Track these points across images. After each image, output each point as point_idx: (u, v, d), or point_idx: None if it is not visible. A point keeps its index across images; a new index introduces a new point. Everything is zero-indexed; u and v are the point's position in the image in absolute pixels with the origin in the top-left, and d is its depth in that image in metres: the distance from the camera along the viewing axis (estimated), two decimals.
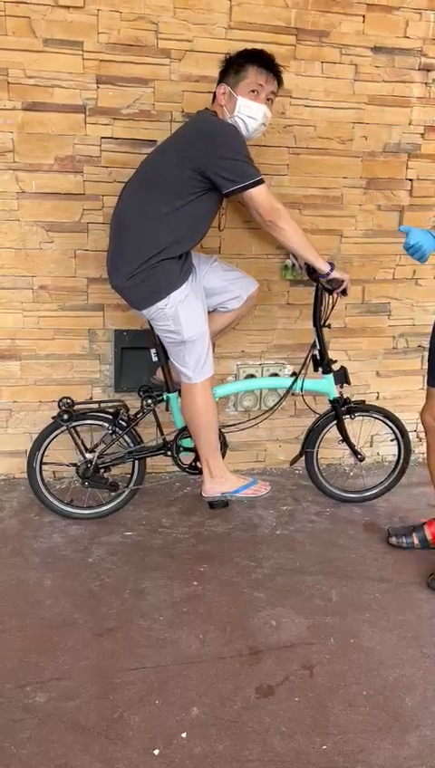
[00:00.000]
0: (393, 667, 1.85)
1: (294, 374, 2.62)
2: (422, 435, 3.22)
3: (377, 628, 2.01)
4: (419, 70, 2.74)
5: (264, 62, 2.21)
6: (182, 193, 2.16)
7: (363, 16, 2.62)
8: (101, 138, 2.51)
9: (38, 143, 2.47)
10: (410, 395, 3.14)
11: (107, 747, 1.56)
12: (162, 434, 2.56)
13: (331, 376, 2.58)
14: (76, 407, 2.45)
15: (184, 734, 1.61)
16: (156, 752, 1.55)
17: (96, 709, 1.67)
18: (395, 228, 2.89)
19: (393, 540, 2.46)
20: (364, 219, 2.85)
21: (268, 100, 2.26)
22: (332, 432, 2.70)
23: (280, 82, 2.27)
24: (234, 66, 2.21)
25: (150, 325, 2.38)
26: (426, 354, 3.07)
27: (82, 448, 2.48)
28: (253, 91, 2.21)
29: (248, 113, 2.22)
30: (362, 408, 2.67)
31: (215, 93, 2.26)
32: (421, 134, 2.81)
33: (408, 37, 2.68)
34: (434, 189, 2.88)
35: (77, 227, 2.57)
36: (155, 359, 2.46)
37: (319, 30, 2.59)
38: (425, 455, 3.21)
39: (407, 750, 1.59)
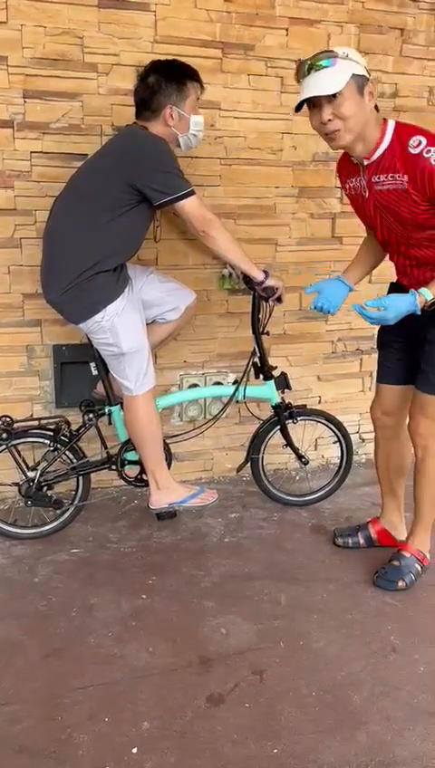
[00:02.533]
0: (341, 665, 1.88)
1: (236, 382, 2.64)
2: (365, 436, 3.29)
3: (325, 629, 2.04)
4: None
5: (197, 76, 2.26)
6: (114, 206, 2.17)
7: (287, 30, 2.70)
8: (31, 152, 2.49)
9: None
10: (351, 397, 3.21)
11: None
12: (106, 448, 2.54)
13: (272, 382, 2.62)
14: (16, 425, 2.40)
15: (135, 750, 1.59)
16: None
17: (44, 731, 1.64)
18: (329, 236, 2.97)
19: (340, 540, 2.50)
20: (298, 227, 2.91)
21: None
22: (276, 437, 2.73)
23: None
24: (174, 86, 2.20)
25: (89, 339, 2.36)
26: (364, 357, 3.16)
27: (24, 467, 2.44)
28: (194, 107, 2.27)
29: (199, 128, 2.30)
30: (303, 412, 2.71)
31: (143, 111, 2.26)
32: None
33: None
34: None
35: (9, 243, 2.54)
36: (95, 372, 2.45)
37: (244, 43, 2.65)
38: (368, 455, 3.30)
39: (356, 747, 1.61)
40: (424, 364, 2.11)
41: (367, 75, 1.86)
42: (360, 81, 1.84)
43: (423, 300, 1.90)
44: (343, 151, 2.08)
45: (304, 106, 1.91)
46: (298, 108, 1.91)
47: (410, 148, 1.85)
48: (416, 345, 2.16)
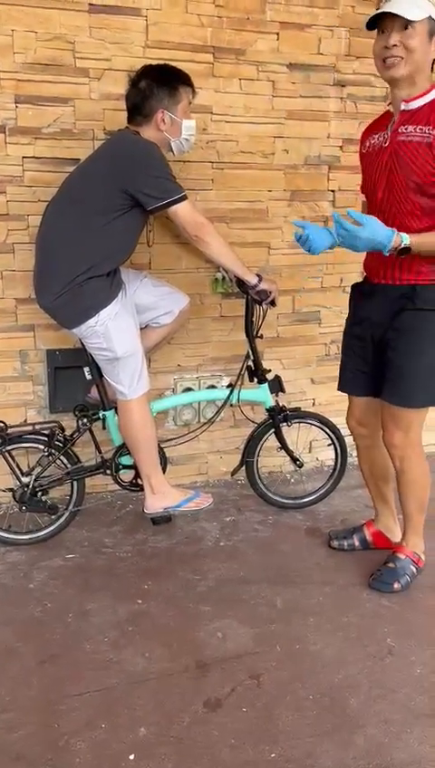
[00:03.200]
0: (338, 668, 1.88)
1: (230, 385, 2.64)
2: None
3: (321, 632, 2.04)
4: (333, 85, 2.83)
5: (189, 80, 2.26)
6: (106, 211, 2.17)
7: (277, 34, 2.70)
8: (23, 157, 2.48)
9: None
10: (345, 400, 3.18)
11: None
12: (100, 452, 2.54)
13: (266, 385, 2.62)
14: (10, 430, 2.39)
15: (132, 756, 1.58)
16: None
17: (41, 739, 1.63)
18: None
19: (335, 543, 2.50)
20: (290, 231, 2.90)
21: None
22: (271, 440, 2.73)
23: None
24: (166, 90, 2.20)
25: (83, 343, 2.36)
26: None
27: (18, 472, 2.43)
28: (186, 111, 2.27)
29: (191, 132, 2.29)
30: (297, 415, 2.71)
31: (135, 116, 2.26)
32: (340, 146, 2.90)
33: (322, 54, 2.78)
34: (356, 199, 2.97)
35: (2, 248, 2.53)
36: (89, 377, 2.45)
37: (235, 48, 2.65)
38: None
39: (354, 750, 1.61)
40: (389, 373, 2.08)
41: None
42: (432, 26, 1.88)
43: (399, 241, 1.87)
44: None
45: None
46: (370, 25, 1.92)
47: None
48: (376, 352, 2.14)
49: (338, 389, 2.36)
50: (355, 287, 2.29)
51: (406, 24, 1.85)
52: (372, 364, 2.19)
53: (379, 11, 1.88)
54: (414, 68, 1.90)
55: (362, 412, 2.31)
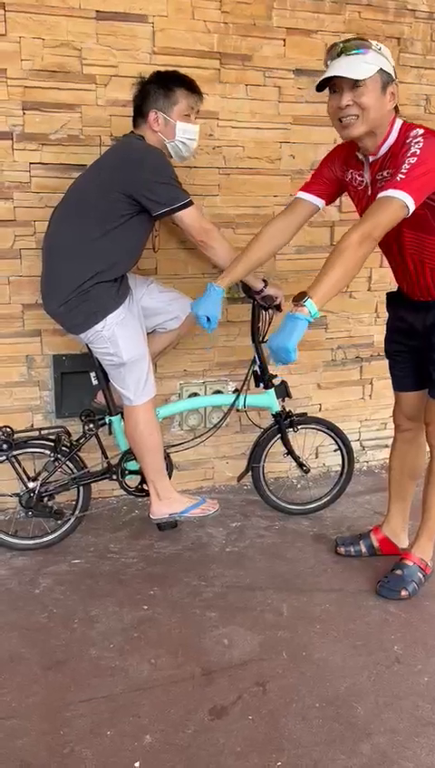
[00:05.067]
0: (344, 676, 1.87)
1: (237, 391, 2.64)
2: (365, 444, 3.29)
3: (328, 639, 2.02)
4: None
5: (190, 84, 2.26)
6: (112, 217, 2.17)
7: (284, 40, 2.71)
8: (30, 163, 2.49)
9: None
10: (351, 405, 3.21)
11: None
12: (106, 458, 2.54)
13: (272, 390, 2.62)
14: (16, 435, 2.40)
15: (137, 764, 1.58)
16: None
17: (46, 746, 1.62)
18: (327, 244, 2.97)
19: (341, 549, 2.49)
20: (296, 236, 2.87)
21: (195, 119, 2.31)
22: (277, 446, 2.73)
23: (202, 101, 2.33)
24: (161, 92, 2.22)
25: (89, 349, 2.36)
26: (364, 365, 3.17)
27: (24, 477, 2.43)
28: (186, 115, 2.25)
29: (188, 136, 2.27)
30: (304, 420, 2.71)
31: (137, 118, 2.27)
32: None
33: None
34: (358, 215, 2.96)
35: (9, 254, 2.54)
36: (95, 382, 2.45)
37: (241, 54, 2.66)
38: (369, 463, 3.31)
39: (361, 759, 1.59)
40: (434, 372, 2.11)
41: (393, 75, 1.86)
42: (385, 78, 1.84)
43: (306, 311, 1.76)
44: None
45: (326, 90, 1.88)
46: (319, 87, 1.88)
47: (406, 140, 1.85)
48: (421, 354, 2.16)
49: (393, 389, 2.35)
50: (393, 296, 2.27)
51: (356, 82, 1.80)
52: (418, 363, 2.20)
53: (326, 75, 1.82)
54: (371, 124, 1.86)
55: (411, 407, 2.31)
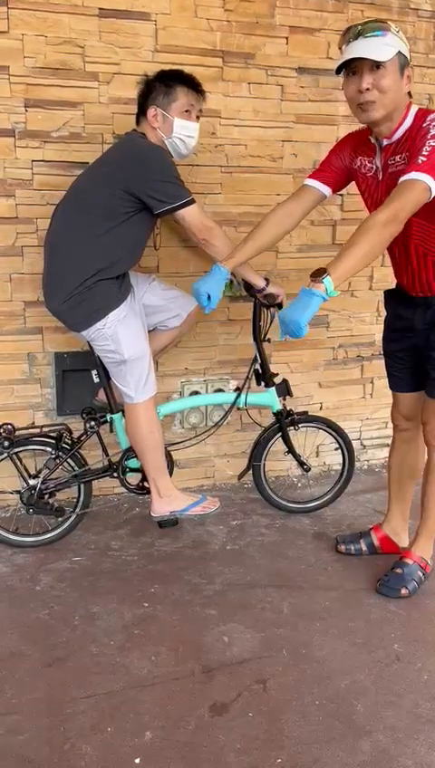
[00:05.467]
0: (345, 674, 1.87)
1: (238, 389, 2.64)
2: (366, 442, 3.29)
3: (328, 637, 2.03)
4: (342, 89, 2.82)
5: (191, 82, 2.26)
6: (114, 214, 2.17)
7: (287, 38, 2.71)
8: (32, 161, 2.50)
9: None
10: (352, 404, 3.21)
11: None
12: (107, 455, 2.54)
13: (273, 389, 2.62)
14: (17, 432, 2.40)
15: (138, 760, 1.58)
16: None
17: (46, 741, 1.63)
18: (329, 242, 2.97)
19: (342, 547, 2.49)
20: (298, 235, 2.91)
21: (197, 117, 2.31)
22: (277, 444, 2.73)
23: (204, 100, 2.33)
24: (161, 88, 2.22)
25: (90, 346, 2.36)
26: (365, 364, 3.17)
27: (26, 475, 2.43)
28: (186, 111, 2.25)
29: (186, 133, 2.27)
30: (305, 419, 2.71)
31: (139, 115, 2.27)
32: None
33: (330, 58, 2.78)
34: (364, 204, 2.96)
35: (11, 251, 2.54)
36: (97, 380, 2.45)
37: (244, 52, 2.66)
38: (369, 462, 3.31)
39: (361, 756, 1.60)
40: (433, 372, 2.10)
41: (409, 59, 1.85)
42: (403, 61, 1.83)
43: (323, 288, 1.75)
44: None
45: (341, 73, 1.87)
46: (338, 70, 1.86)
47: (423, 123, 1.85)
48: (419, 353, 2.16)
49: (390, 389, 2.35)
50: (391, 294, 2.27)
51: (377, 64, 1.79)
52: (416, 363, 2.20)
53: (348, 57, 1.81)
54: (390, 107, 1.85)
55: (408, 407, 2.31)
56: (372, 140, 1.99)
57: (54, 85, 2.45)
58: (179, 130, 2.25)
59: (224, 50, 2.63)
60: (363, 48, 1.79)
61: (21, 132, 2.46)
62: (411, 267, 2.07)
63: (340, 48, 1.88)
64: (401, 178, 1.80)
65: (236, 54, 2.65)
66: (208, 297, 2.20)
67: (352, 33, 1.82)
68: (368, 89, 1.82)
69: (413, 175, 1.77)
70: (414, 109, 1.92)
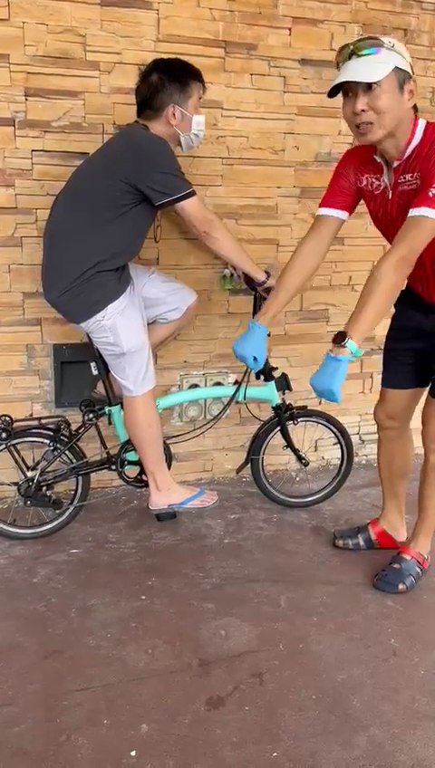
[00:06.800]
0: (341, 668, 1.87)
1: (237, 383, 2.63)
2: (365, 437, 3.29)
3: (325, 632, 2.03)
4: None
5: (201, 76, 2.25)
6: (114, 205, 2.16)
7: (290, 29, 2.68)
8: (32, 150, 2.48)
9: None
10: (351, 398, 3.21)
11: None
12: (106, 448, 2.54)
13: (272, 383, 2.61)
14: (15, 424, 2.39)
15: (133, 753, 1.58)
16: None
17: (43, 734, 1.63)
18: None
19: (339, 542, 2.49)
20: (299, 228, 2.89)
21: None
22: (276, 438, 2.72)
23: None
24: (177, 86, 2.19)
25: (89, 338, 2.35)
26: (365, 359, 3.15)
27: (23, 466, 2.42)
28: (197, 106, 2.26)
29: (201, 128, 2.28)
30: (304, 413, 2.70)
31: (145, 109, 2.25)
32: (351, 144, 2.87)
33: (333, 50, 2.74)
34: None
35: (10, 242, 2.53)
36: (95, 372, 2.44)
37: (247, 43, 2.63)
38: (368, 456, 3.30)
39: (356, 751, 1.60)
40: None
41: (410, 72, 1.78)
42: (401, 76, 1.75)
43: (348, 352, 1.78)
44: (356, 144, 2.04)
45: (339, 94, 1.81)
46: (332, 93, 1.80)
47: (434, 142, 1.79)
48: (424, 355, 2.15)
49: (382, 385, 2.32)
50: (404, 295, 2.18)
51: (369, 85, 1.72)
52: (417, 362, 2.18)
53: (339, 80, 1.74)
54: (390, 127, 1.78)
55: (396, 405, 2.28)
56: (378, 159, 1.93)
57: (55, 74, 2.43)
58: (196, 126, 2.26)
59: (226, 40, 2.61)
60: (355, 70, 1.72)
61: (21, 122, 2.44)
62: (427, 278, 2.04)
63: (336, 67, 1.81)
64: (410, 213, 1.76)
65: (238, 45, 2.63)
66: (255, 359, 2.17)
67: (346, 53, 1.76)
68: (363, 110, 1.75)
69: (423, 211, 1.73)
70: (422, 123, 1.84)
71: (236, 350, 2.20)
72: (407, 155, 1.86)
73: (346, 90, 1.78)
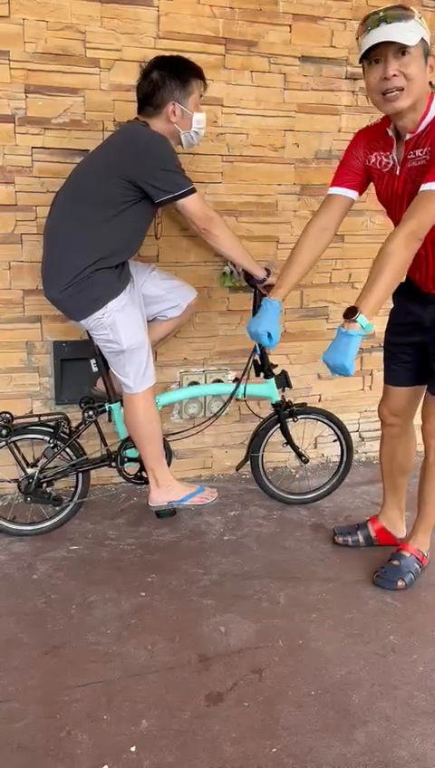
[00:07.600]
0: (340, 665, 1.88)
1: (237, 380, 2.64)
2: (364, 434, 3.29)
3: (324, 628, 2.03)
4: (345, 79, 2.81)
5: (201, 73, 2.25)
6: (114, 203, 2.16)
7: (290, 26, 2.68)
8: (32, 147, 2.47)
9: None
10: (351, 396, 3.21)
11: (54, 767, 1.53)
12: (106, 445, 2.54)
13: (272, 380, 2.61)
14: (15, 421, 2.39)
15: (133, 748, 1.59)
16: None
17: (43, 729, 1.63)
18: None
19: (339, 539, 2.49)
20: (299, 225, 2.87)
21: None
22: (276, 436, 2.73)
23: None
24: (177, 83, 2.19)
25: (89, 335, 2.35)
26: (365, 356, 3.16)
27: (23, 463, 2.43)
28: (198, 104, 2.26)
29: (201, 125, 2.28)
30: (303, 410, 2.71)
31: (145, 106, 2.25)
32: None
33: (334, 47, 2.75)
34: (365, 195, 2.94)
35: (10, 239, 2.53)
36: (95, 369, 2.44)
37: (247, 40, 2.63)
38: (368, 454, 3.30)
39: (355, 747, 1.61)
40: None
41: (430, 47, 1.79)
42: (426, 48, 1.77)
43: (358, 326, 1.78)
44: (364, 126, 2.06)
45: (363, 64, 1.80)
46: (362, 57, 1.78)
47: None
48: (423, 350, 2.15)
49: (385, 382, 2.33)
50: (402, 288, 2.15)
51: (403, 50, 1.72)
52: (417, 358, 2.19)
53: (372, 43, 1.71)
54: (415, 96, 1.78)
55: (398, 402, 2.29)
56: (390, 133, 1.93)
57: (55, 71, 2.43)
58: (196, 124, 2.26)
59: (226, 37, 2.60)
60: (389, 34, 1.71)
61: (21, 119, 2.44)
62: (426, 264, 2.03)
63: (357, 39, 1.80)
64: (421, 188, 1.76)
65: (238, 42, 2.63)
66: (269, 335, 2.16)
67: (373, 21, 1.74)
68: (395, 75, 1.74)
69: (433, 185, 1.74)
70: None
71: (250, 327, 2.19)
72: (420, 129, 1.86)
73: (374, 57, 1.77)
